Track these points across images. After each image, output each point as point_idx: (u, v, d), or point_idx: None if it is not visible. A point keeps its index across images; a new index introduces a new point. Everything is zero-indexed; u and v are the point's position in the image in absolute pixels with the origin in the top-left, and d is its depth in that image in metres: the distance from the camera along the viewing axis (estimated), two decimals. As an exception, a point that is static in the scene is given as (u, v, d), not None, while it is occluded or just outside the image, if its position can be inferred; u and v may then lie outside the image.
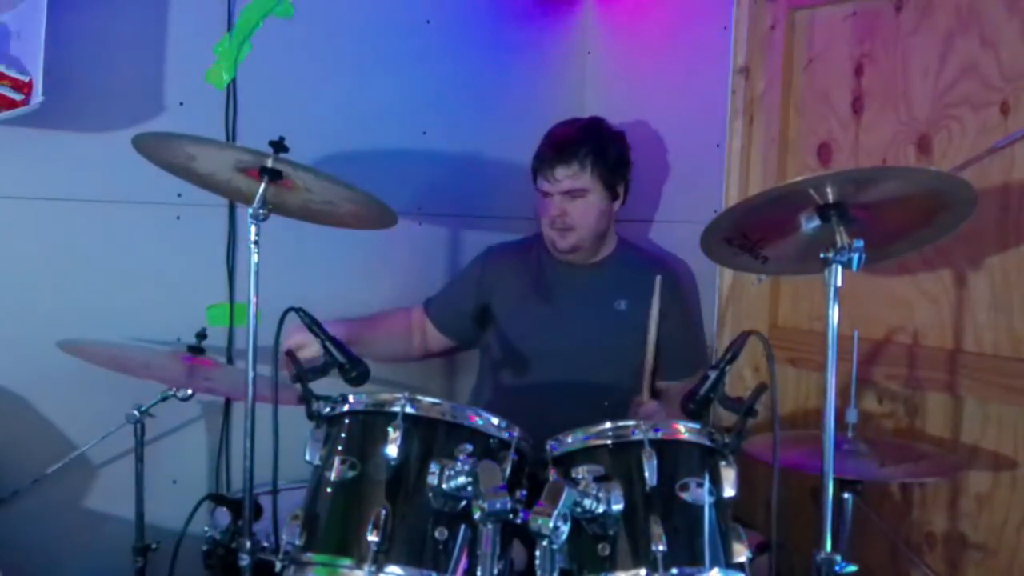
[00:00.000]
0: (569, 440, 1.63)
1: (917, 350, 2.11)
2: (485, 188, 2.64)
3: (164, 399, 1.99)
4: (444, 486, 1.49)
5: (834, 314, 1.51)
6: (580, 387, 2.31)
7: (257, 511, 1.64)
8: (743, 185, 2.44)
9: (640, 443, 1.55)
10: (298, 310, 1.68)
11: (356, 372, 1.71)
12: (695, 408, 1.64)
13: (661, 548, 1.47)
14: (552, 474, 1.61)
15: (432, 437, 1.60)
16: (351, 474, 1.57)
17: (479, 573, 1.41)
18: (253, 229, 1.62)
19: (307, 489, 1.64)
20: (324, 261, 2.29)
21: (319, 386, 1.66)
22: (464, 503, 1.51)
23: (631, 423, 1.59)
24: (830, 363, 1.50)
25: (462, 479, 1.48)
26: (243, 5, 2.24)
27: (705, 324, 2.53)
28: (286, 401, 1.64)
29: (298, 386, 1.63)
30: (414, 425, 1.58)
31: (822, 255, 1.50)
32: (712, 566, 1.51)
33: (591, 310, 2.38)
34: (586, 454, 1.60)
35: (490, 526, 1.40)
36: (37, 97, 1.90)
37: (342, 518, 1.56)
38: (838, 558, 1.49)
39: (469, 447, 1.54)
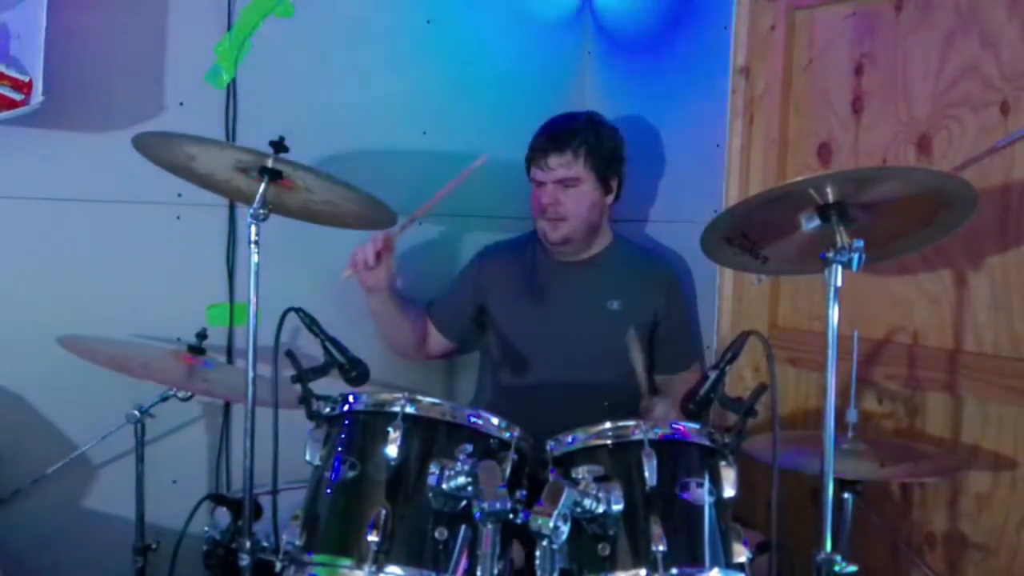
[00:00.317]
0: (569, 440, 1.63)
1: (917, 350, 2.11)
2: (485, 188, 2.64)
3: (164, 399, 1.99)
4: (444, 486, 1.49)
5: (834, 314, 1.51)
6: (580, 387, 2.31)
7: (257, 511, 1.64)
8: (743, 185, 2.44)
9: (640, 443, 1.56)
10: (298, 310, 1.68)
11: (356, 372, 1.71)
12: (695, 408, 1.64)
13: (661, 548, 1.47)
14: (552, 474, 1.61)
15: (432, 437, 1.60)
16: (351, 474, 1.57)
17: (479, 573, 1.41)
18: (253, 229, 1.62)
19: (307, 489, 1.64)
20: (324, 261, 2.29)
21: (319, 386, 1.66)
22: (464, 503, 1.51)
23: (631, 423, 1.60)
24: (830, 363, 1.50)
25: (462, 479, 1.48)
26: (243, 5, 2.24)
27: (705, 324, 2.53)
28: (286, 403, 1.64)
29: (298, 386, 1.64)
30: (414, 425, 1.58)
31: (822, 255, 1.50)
32: (712, 566, 1.51)
33: (584, 310, 2.38)
34: (586, 454, 1.60)
35: (490, 526, 1.40)
36: (37, 97, 1.90)
37: (342, 518, 1.57)
38: (838, 558, 1.49)
39: (469, 447, 1.54)
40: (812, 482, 1.57)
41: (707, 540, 1.53)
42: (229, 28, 2.23)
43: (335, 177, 1.68)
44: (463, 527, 1.53)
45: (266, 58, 2.27)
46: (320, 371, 1.67)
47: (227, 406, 2.33)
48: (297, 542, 1.54)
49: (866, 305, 2.17)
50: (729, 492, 1.58)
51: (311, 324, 1.70)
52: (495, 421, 1.63)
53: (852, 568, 1.49)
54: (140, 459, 1.97)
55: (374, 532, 1.48)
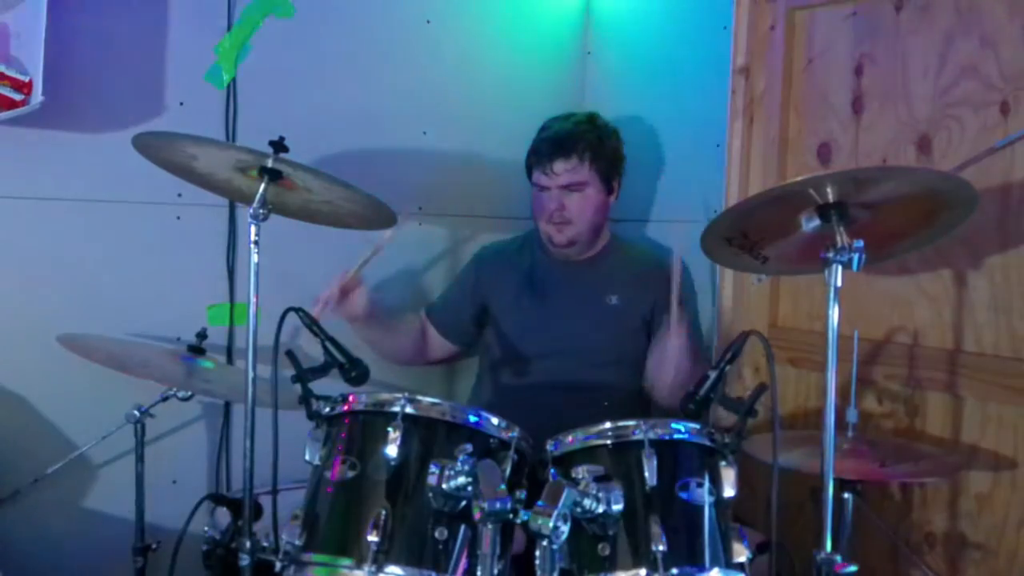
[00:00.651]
0: (569, 440, 1.63)
1: (917, 350, 2.11)
2: (485, 188, 2.64)
3: (164, 399, 1.99)
4: (444, 486, 1.49)
5: (834, 314, 1.51)
6: (580, 386, 2.31)
7: (257, 511, 1.64)
8: (743, 185, 2.44)
9: (640, 443, 1.56)
10: (298, 310, 1.68)
11: (356, 372, 1.71)
12: (695, 408, 1.64)
13: (661, 548, 1.47)
14: (552, 474, 1.61)
15: (432, 437, 1.60)
16: (351, 474, 1.57)
17: (479, 573, 1.41)
18: (253, 229, 1.62)
19: (307, 489, 1.64)
20: (324, 261, 2.29)
21: (319, 386, 1.66)
22: (464, 503, 1.51)
23: (631, 423, 1.60)
24: (830, 363, 1.50)
25: (462, 479, 1.48)
26: (243, 5, 2.24)
27: (705, 324, 2.53)
28: (286, 403, 1.64)
29: (298, 386, 1.64)
30: (414, 425, 1.58)
31: (822, 255, 1.50)
32: (712, 566, 1.51)
33: (583, 307, 2.38)
34: (586, 454, 1.60)
35: (490, 526, 1.40)
36: (37, 97, 1.90)
37: (342, 518, 1.56)
38: (838, 558, 1.49)
39: (469, 447, 1.54)
40: (812, 482, 1.57)
41: (707, 540, 1.53)
42: (229, 28, 2.23)
43: (335, 177, 1.68)
44: (463, 527, 1.53)
45: (266, 58, 2.27)
46: (320, 371, 1.67)
47: (227, 406, 2.33)
48: (297, 542, 1.54)
49: (866, 305, 2.17)
50: (729, 492, 1.58)
51: (311, 324, 1.70)
52: (495, 421, 1.63)
53: (852, 568, 1.49)
54: (140, 459, 1.97)
55: (374, 532, 1.48)
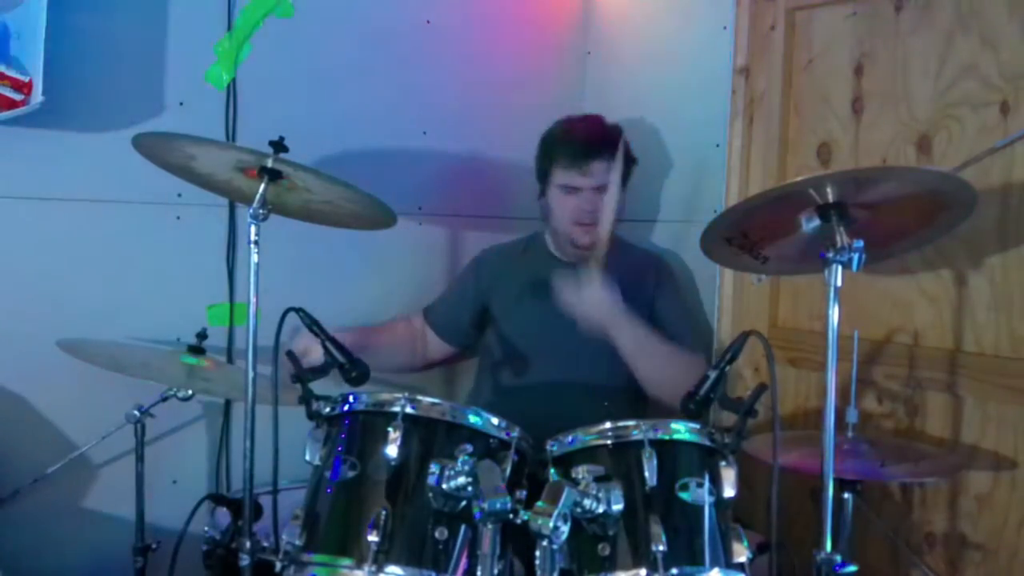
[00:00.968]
0: (569, 440, 1.63)
1: (917, 350, 2.11)
2: (485, 188, 2.64)
3: (164, 399, 1.99)
4: (444, 486, 1.49)
5: (834, 314, 1.51)
6: (580, 387, 2.31)
7: (257, 511, 1.64)
8: (743, 185, 2.44)
9: (640, 443, 1.56)
10: (298, 310, 1.68)
11: (356, 372, 1.71)
12: (695, 408, 1.64)
13: (661, 548, 1.47)
14: (552, 474, 1.61)
15: (432, 437, 1.60)
16: (351, 474, 1.57)
17: (479, 573, 1.41)
18: (253, 229, 1.62)
19: (307, 489, 1.64)
20: (324, 261, 2.29)
21: (319, 386, 1.66)
22: (464, 503, 1.51)
23: (631, 423, 1.59)
24: (830, 363, 1.50)
25: (462, 479, 1.48)
26: (243, 5, 2.24)
27: (705, 324, 2.53)
28: (286, 402, 1.64)
29: (298, 386, 1.64)
30: (414, 425, 1.58)
31: (822, 255, 1.50)
32: (712, 566, 1.51)
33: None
34: (586, 454, 1.60)
35: (490, 526, 1.40)
36: (37, 97, 1.90)
37: (342, 518, 1.57)
38: (838, 558, 1.49)
39: (469, 447, 1.54)
40: (812, 482, 1.57)
41: (707, 540, 1.53)
42: (229, 28, 2.23)
43: (335, 177, 1.68)
44: (463, 527, 1.53)
45: (266, 58, 2.27)
46: (320, 371, 1.67)
47: (227, 406, 2.32)
48: (297, 542, 1.53)
49: (866, 305, 2.17)
50: (729, 492, 1.58)
51: (311, 324, 1.70)
52: (495, 421, 1.63)
53: (852, 568, 1.49)
54: (140, 459, 1.97)
55: (374, 532, 1.48)
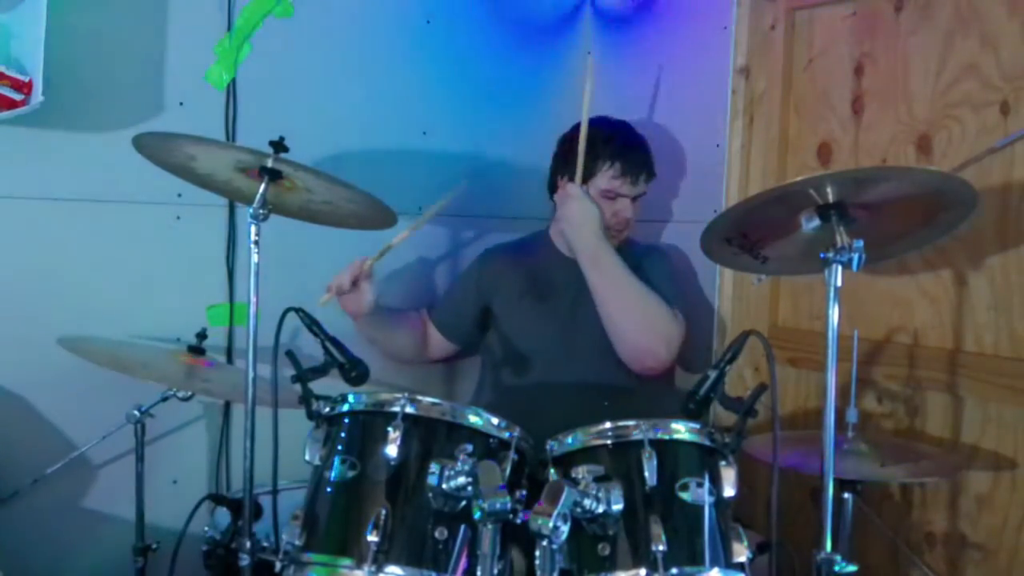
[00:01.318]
0: (569, 440, 1.63)
1: (917, 350, 2.11)
2: (486, 188, 2.64)
3: (164, 399, 1.99)
4: (444, 486, 1.49)
5: (834, 314, 1.51)
6: (580, 387, 2.31)
7: (257, 511, 1.64)
8: (743, 185, 2.44)
9: (640, 443, 1.56)
10: (298, 310, 1.68)
11: (356, 372, 1.71)
12: (695, 408, 1.64)
13: (661, 548, 1.47)
14: (552, 474, 1.61)
15: (432, 437, 1.60)
16: (351, 474, 1.57)
17: (479, 573, 1.41)
18: (253, 229, 1.62)
19: (307, 489, 1.64)
20: (324, 261, 2.29)
21: (319, 386, 1.66)
22: (464, 503, 1.51)
23: (631, 423, 1.60)
24: (830, 363, 1.50)
25: (462, 479, 1.48)
26: (243, 5, 2.24)
27: (705, 324, 2.53)
28: (286, 403, 1.64)
29: (298, 386, 1.64)
30: (414, 425, 1.58)
31: (822, 255, 1.50)
32: (712, 566, 1.51)
33: (586, 307, 2.37)
34: (586, 454, 1.60)
35: (490, 526, 1.40)
36: (37, 97, 1.90)
37: (342, 518, 1.57)
38: (838, 558, 1.49)
39: (469, 447, 1.54)
40: (812, 482, 1.57)
41: (707, 540, 1.53)
42: (229, 28, 2.23)
43: (335, 177, 1.68)
44: (463, 527, 1.53)
45: (266, 58, 2.27)
46: (320, 371, 1.67)
47: (227, 406, 2.32)
48: (297, 542, 1.54)
49: (866, 305, 2.17)
50: (729, 492, 1.58)
51: (311, 324, 1.70)
52: (495, 421, 1.63)
53: (852, 568, 1.49)
54: (140, 459, 1.97)
55: (374, 532, 1.48)
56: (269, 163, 1.63)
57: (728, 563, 1.53)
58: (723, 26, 2.47)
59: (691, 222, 2.53)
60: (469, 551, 1.52)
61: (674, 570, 1.48)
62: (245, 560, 1.58)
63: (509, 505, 1.40)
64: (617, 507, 1.49)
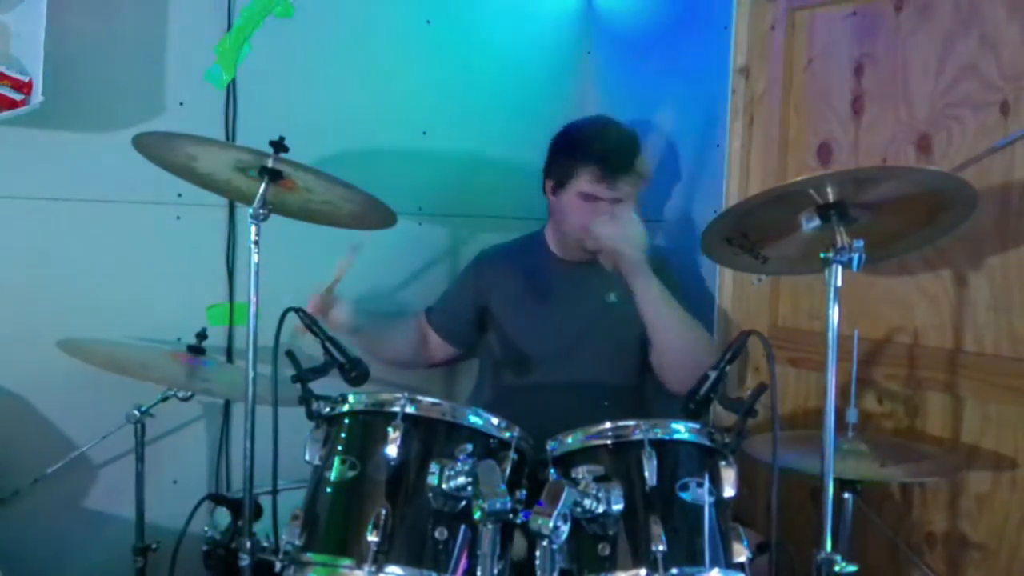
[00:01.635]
0: (569, 440, 1.63)
1: (917, 350, 2.11)
2: (485, 188, 2.64)
3: (164, 399, 1.99)
4: (444, 486, 1.49)
5: (834, 314, 1.51)
6: (580, 387, 2.31)
7: (257, 511, 1.64)
8: (743, 185, 2.44)
9: (640, 443, 1.56)
10: (298, 310, 1.68)
11: (356, 372, 1.71)
12: (695, 408, 1.64)
13: (661, 548, 1.47)
14: (552, 474, 1.61)
15: (432, 437, 1.60)
16: (351, 474, 1.57)
17: (479, 573, 1.41)
18: (253, 229, 1.62)
19: (307, 489, 1.64)
20: (324, 261, 2.29)
21: (319, 386, 1.66)
22: (464, 503, 1.51)
23: (631, 423, 1.59)
24: (830, 363, 1.50)
25: (462, 479, 1.48)
26: (243, 5, 2.24)
27: (705, 324, 2.53)
28: (286, 403, 1.64)
29: (298, 386, 1.64)
30: (414, 425, 1.58)
31: (822, 255, 1.50)
32: (712, 566, 1.51)
33: (584, 307, 2.38)
34: (586, 454, 1.60)
35: (490, 526, 1.40)
36: (37, 97, 1.90)
37: (342, 518, 1.57)
38: (838, 558, 1.49)
39: (469, 447, 1.54)
40: (812, 482, 1.57)
41: (707, 540, 1.53)
42: (229, 28, 2.23)
43: (335, 177, 1.68)
44: (463, 527, 1.53)
45: (266, 58, 2.27)
46: (320, 371, 1.67)
47: (227, 406, 2.33)
48: (297, 542, 1.54)
49: (866, 305, 2.17)
50: (729, 492, 1.58)
51: (311, 324, 1.71)
52: (495, 421, 1.63)
53: (852, 568, 1.49)
54: (140, 459, 1.97)
55: (374, 532, 1.48)
56: (269, 163, 1.63)
57: (728, 563, 1.53)
58: (723, 26, 2.46)
59: (691, 222, 2.52)
60: (469, 551, 1.52)
61: (674, 570, 1.48)
62: (245, 560, 1.58)
63: (509, 505, 1.40)
64: (617, 507, 1.49)
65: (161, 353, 2.08)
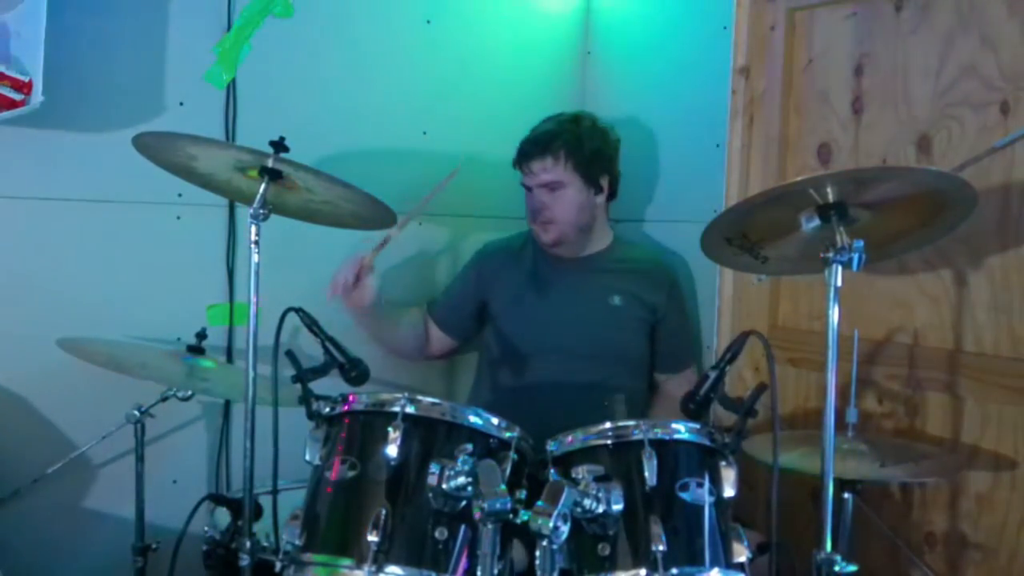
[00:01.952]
0: (569, 440, 1.63)
1: (917, 350, 2.11)
2: (485, 188, 2.64)
3: (164, 399, 1.99)
4: (444, 486, 1.49)
5: (834, 314, 1.51)
6: (579, 386, 2.31)
7: (257, 511, 1.64)
8: (743, 185, 2.44)
9: (640, 443, 1.56)
10: (298, 310, 1.68)
11: (356, 372, 1.71)
12: (695, 408, 1.64)
13: (661, 548, 1.47)
14: (552, 474, 1.61)
15: (432, 437, 1.60)
16: (351, 474, 1.57)
17: (479, 573, 1.41)
18: (253, 229, 1.62)
19: (307, 489, 1.64)
20: (324, 261, 2.29)
21: (319, 386, 1.66)
22: (464, 503, 1.51)
23: (631, 423, 1.60)
24: (830, 363, 1.50)
25: (462, 479, 1.48)
26: (243, 5, 2.24)
27: (705, 324, 2.53)
28: (286, 403, 1.64)
29: (298, 386, 1.64)
30: (414, 425, 1.58)
31: (822, 255, 1.50)
32: (712, 566, 1.51)
33: (586, 307, 2.38)
34: (586, 454, 1.60)
35: (490, 526, 1.40)
36: (37, 97, 1.90)
37: (342, 518, 1.57)
38: (838, 558, 1.49)
39: (469, 447, 1.54)
40: (812, 482, 1.57)
41: (707, 540, 1.53)
42: (229, 28, 2.23)
43: (335, 177, 1.68)
44: (463, 527, 1.53)
45: (266, 58, 2.27)
46: (320, 371, 1.67)
47: (227, 406, 2.33)
48: (297, 542, 1.54)
49: (866, 305, 2.17)
50: (729, 492, 1.58)
51: (311, 324, 1.70)
52: (495, 421, 1.63)
53: (852, 568, 1.49)
54: (140, 459, 1.97)
55: (374, 532, 1.48)
56: (269, 163, 1.63)
57: (728, 563, 1.54)
58: (723, 26, 2.46)
59: (691, 222, 2.52)
60: (469, 551, 1.52)
61: (674, 570, 1.48)
62: (245, 560, 1.58)
63: (509, 505, 1.40)
64: (617, 507, 1.49)
65: (161, 353, 2.08)
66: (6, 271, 2.04)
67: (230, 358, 2.32)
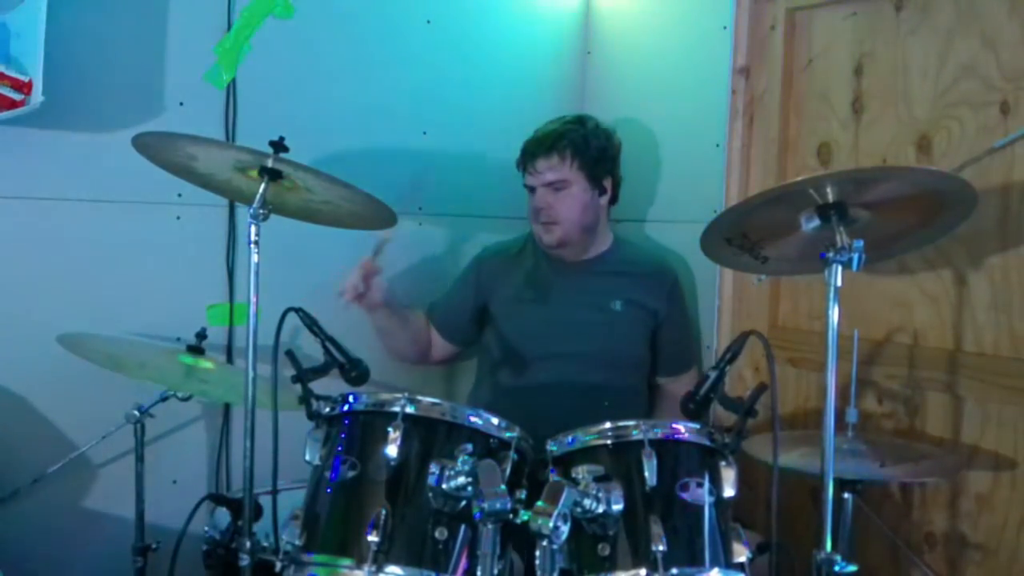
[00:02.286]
0: (569, 440, 1.63)
1: (917, 350, 2.11)
2: (485, 188, 2.64)
3: (164, 399, 1.99)
4: (444, 486, 1.49)
5: (834, 314, 1.51)
6: (579, 387, 2.31)
7: (257, 511, 1.64)
8: (743, 185, 2.44)
9: (640, 443, 1.56)
10: (298, 310, 1.68)
11: (356, 372, 1.71)
12: (695, 408, 1.64)
13: (661, 548, 1.47)
14: (552, 474, 1.61)
15: (432, 437, 1.60)
16: (351, 474, 1.57)
17: (479, 573, 1.41)
18: (253, 229, 1.62)
19: (307, 489, 1.64)
20: (324, 261, 2.29)
21: (319, 386, 1.66)
22: (464, 503, 1.51)
23: (631, 423, 1.60)
24: (830, 363, 1.50)
25: (462, 479, 1.48)
26: (243, 5, 2.24)
27: (705, 324, 2.53)
28: (286, 403, 1.64)
29: (298, 386, 1.64)
30: (414, 425, 1.58)
31: (822, 255, 1.50)
32: (712, 566, 1.51)
33: (587, 310, 2.38)
34: (586, 454, 1.60)
35: (490, 526, 1.40)
36: (37, 97, 1.90)
37: (342, 518, 1.57)
38: (838, 558, 1.49)
39: (469, 447, 1.54)
40: (812, 482, 1.57)
41: (707, 540, 1.53)
42: (229, 28, 2.23)
43: (335, 177, 1.68)
44: (463, 527, 1.53)
45: (266, 58, 2.26)
46: (320, 371, 1.67)
47: (227, 406, 2.32)
48: (297, 542, 1.54)
49: (866, 305, 2.17)
50: (729, 492, 1.58)
51: (311, 324, 1.70)
52: (495, 421, 1.63)
53: (852, 568, 1.49)
54: (140, 459, 1.97)
55: (374, 532, 1.48)
56: (269, 163, 1.63)
57: (728, 563, 1.54)
58: (723, 26, 2.46)
59: (691, 222, 2.52)
60: (469, 551, 1.52)
61: (674, 570, 1.48)
62: (245, 560, 1.58)
63: (509, 505, 1.40)
64: (617, 507, 1.49)
65: (160, 352, 2.08)
66: (6, 271, 2.04)
67: (230, 358, 2.32)
